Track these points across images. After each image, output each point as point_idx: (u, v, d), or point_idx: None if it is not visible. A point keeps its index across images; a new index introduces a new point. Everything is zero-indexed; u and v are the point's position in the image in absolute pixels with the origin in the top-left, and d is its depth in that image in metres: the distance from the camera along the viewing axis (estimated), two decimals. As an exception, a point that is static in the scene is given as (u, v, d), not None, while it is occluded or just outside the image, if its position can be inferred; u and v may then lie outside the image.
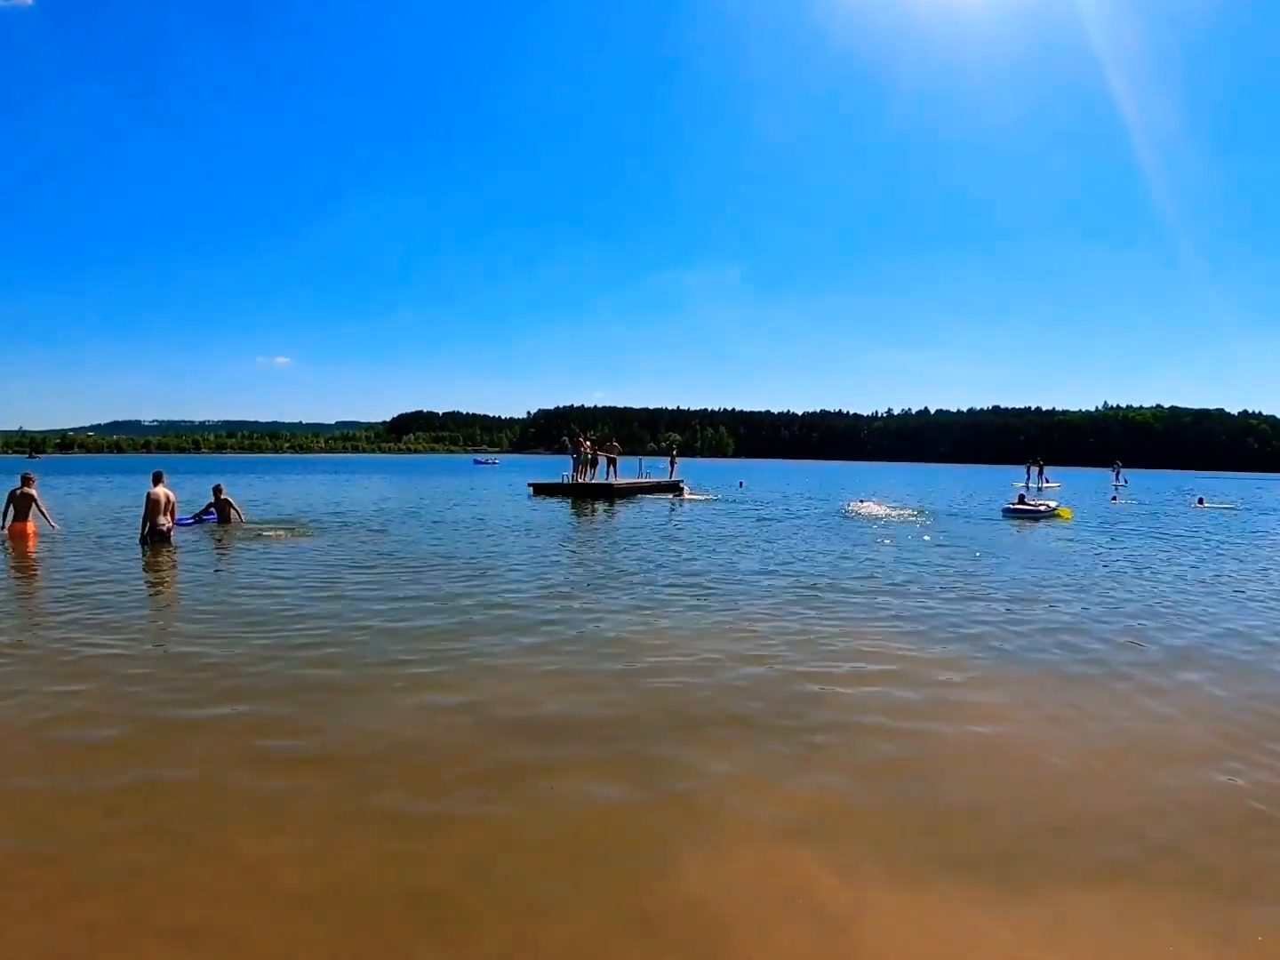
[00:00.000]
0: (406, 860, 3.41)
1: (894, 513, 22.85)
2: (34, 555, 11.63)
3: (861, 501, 26.14)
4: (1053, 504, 23.27)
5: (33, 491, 12.92)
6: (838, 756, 4.64)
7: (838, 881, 3.30)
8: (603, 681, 5.95)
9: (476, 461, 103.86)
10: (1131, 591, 10.24)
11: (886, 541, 15.53)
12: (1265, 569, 12.87)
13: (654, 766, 4.42)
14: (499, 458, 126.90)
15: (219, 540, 13.86)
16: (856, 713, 5.34)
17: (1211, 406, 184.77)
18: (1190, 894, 3.28)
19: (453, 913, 3.05)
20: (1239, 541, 17.49)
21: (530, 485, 30.32)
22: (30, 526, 12.70)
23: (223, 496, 16.03)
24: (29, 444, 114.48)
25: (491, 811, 3.86)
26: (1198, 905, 3.20)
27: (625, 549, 13.76)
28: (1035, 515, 21.71)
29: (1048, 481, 44.23)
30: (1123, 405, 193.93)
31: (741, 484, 41.34)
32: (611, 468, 31.48)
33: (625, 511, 22.54)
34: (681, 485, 32.93)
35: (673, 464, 37.19)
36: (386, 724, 4.97)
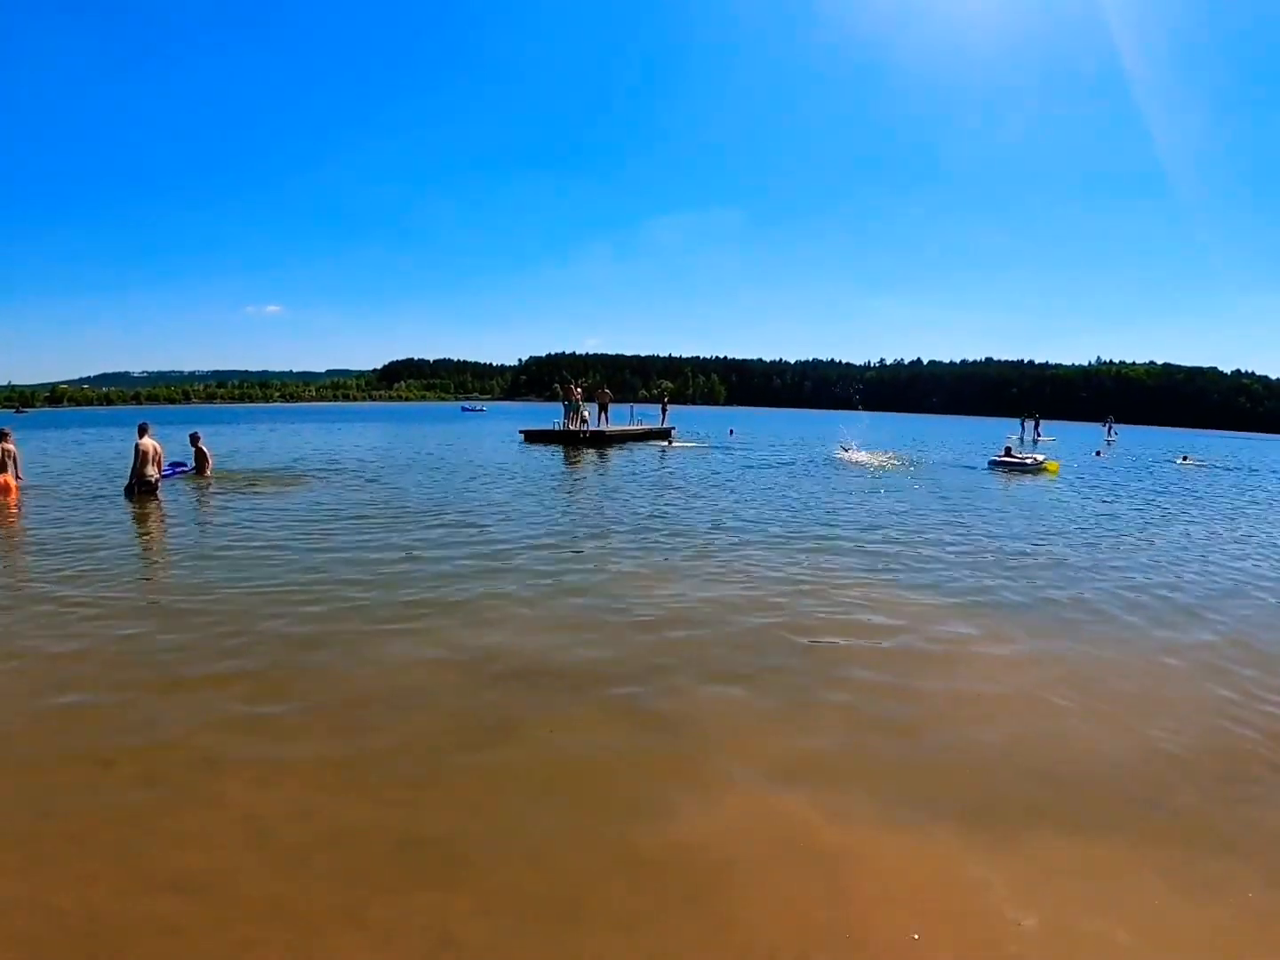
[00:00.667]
0: (402, 808, 3.45)
1: (881, 461, 23.27)
2: (15, 508, 11.55)
3: (846, 450, 26.41)
4: (1040, 457, 23.13)
5: (9, 446, 12.95)
6: (835, 706, 4.70)
7: (830, 825, 3.37)
8: (596, 631, 5.99)
9: (465, 409, 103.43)
10: (1117, 547, 10.38)
11: (877, 490, 15.62)
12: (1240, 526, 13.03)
13: (647, 715, 4.48)
14: (487, 405, 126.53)
15: (202, 490, 13.78)
16: (853, 665, 5.41)
17: (1205, 364, 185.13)
18: (1180, 848, 3.36)
19: (449, 858, 3.10)
20: (1222, 498, 17.69)
21: (521, 432, 30.35)
22: (10, 480, 12.69)
23: (199, 445, 15.77)
24: (17, 398, 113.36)
25: (487, 759, 3.91)
26: (1188, 859, 3.28)
27: (615, 497, 13.75)
28: (1022, 468, 21.63)
29: (1041, 435, 44.39)
30: (1116, 361, 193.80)
31: (732, 432, 41.35)
32: (603, 414, 31.57)
33: (616, 458, 22.50)
34: (672, 432, 33.15)
35: (664, 411, 37.51)
36: (381, 674, 5.00)
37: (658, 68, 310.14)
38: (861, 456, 24.28)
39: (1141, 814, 3.61)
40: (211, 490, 13.89)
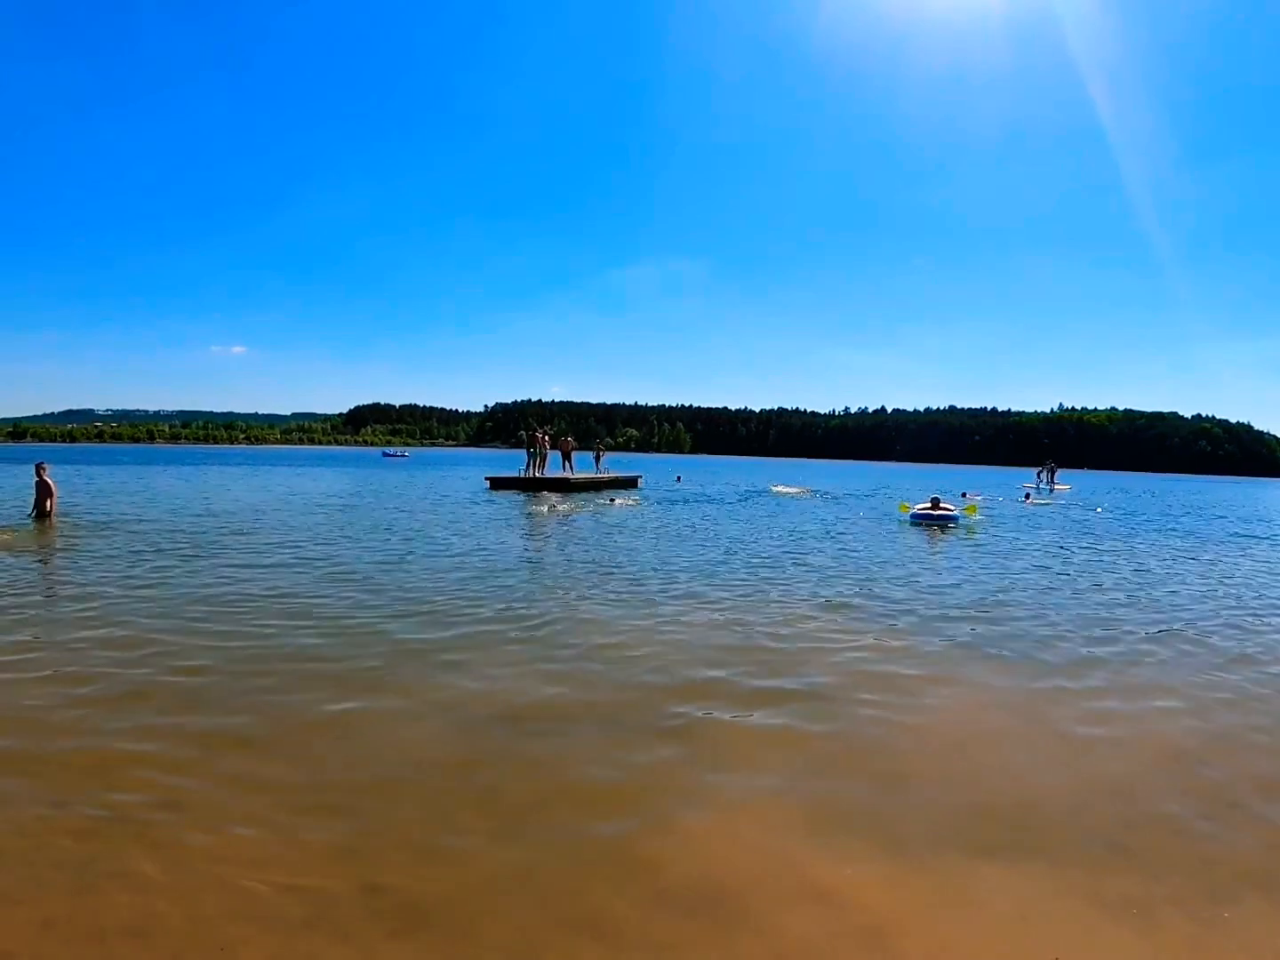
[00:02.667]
0: (363, 853, 3.54)
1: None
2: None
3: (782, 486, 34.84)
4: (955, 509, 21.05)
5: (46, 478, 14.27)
6: (777, 741, 4.89)
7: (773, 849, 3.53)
8: (554, 675, 6.12)
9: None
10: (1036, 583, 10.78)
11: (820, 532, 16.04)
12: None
13: (597, 751, 4.62)
14: (454, 451, 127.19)
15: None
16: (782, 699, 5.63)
17: (1166, 409, 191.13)
18: (1111, 874, 3.56)
19: (408, 904, 3.18)
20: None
21: (488, 479, 31.17)
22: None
23: (44, 476, 14.71)
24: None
25: (445, 803, 4.01)
26: (1117, 885, 3.47)
27: (574, 544, 13.91)
28: (945, 521, 19.78)
29: (1057, 483, 47.13)
30: (1077, 407, 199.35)
31: (679, 479, 42.43)
32: (566, 463, 32.22)
33: (570, 505, 22.73)
34: (639, 480, 34.81)
35: (598, 460, 36.60)
36: (339, 718, 5.08)
37: (626, 120, 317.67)
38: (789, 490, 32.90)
39: (1073, 841, 3.81)
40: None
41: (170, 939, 2.92)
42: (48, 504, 14.85)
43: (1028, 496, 34.10)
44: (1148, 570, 13.21)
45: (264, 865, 3.40)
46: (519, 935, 3.01)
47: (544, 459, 29.89)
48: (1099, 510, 29.68)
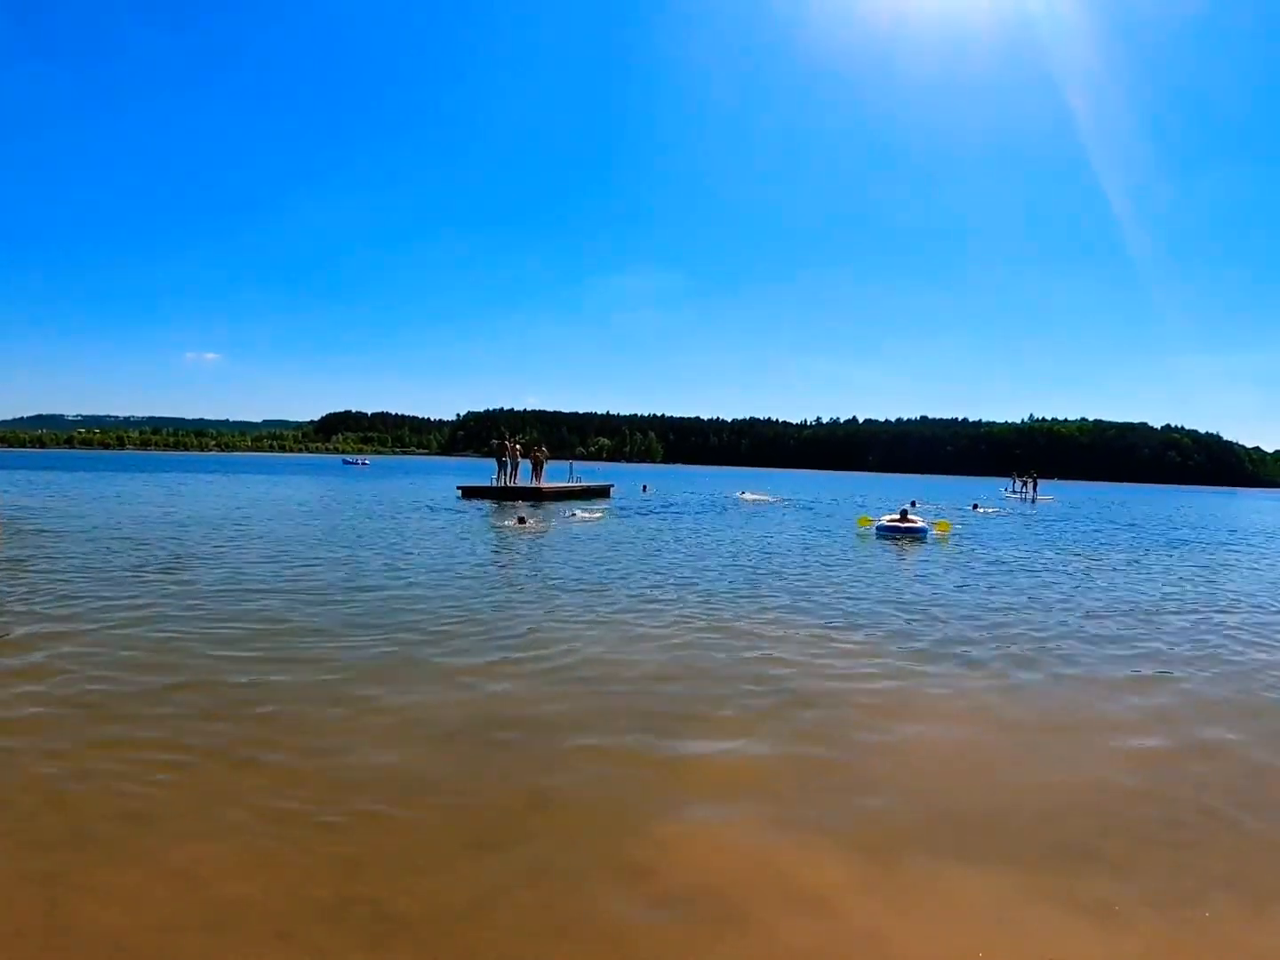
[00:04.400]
0: (337, 864, 3.54)
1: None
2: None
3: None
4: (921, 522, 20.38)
5: None
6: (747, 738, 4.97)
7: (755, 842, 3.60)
8: (510, 684, 6.16)
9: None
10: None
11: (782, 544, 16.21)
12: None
13: (562, 761, 4.66)
14: (426, 459, 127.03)
15: None
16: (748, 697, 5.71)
17: (1135, 420, 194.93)
18: (1078, 876, 3.67)
19: (382, 916, 3.19)
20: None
21: (459, 488, 31.80)
22: None
23: None
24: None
25: (419, 814, 4.03)
26: (1084, 887, 3.58)
27: (534, 558, 13.93)
28: (914, 533, 19.25)
29: (1040, 495, 48.98)
30: (1048, 418, 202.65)
31: (645, 488, 42.72)
32: (537, 473, 32.11)
33: (537, 519, 22.72)
34: (610, 489, 35.56)
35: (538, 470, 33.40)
36: (318, 728, 5.08)
37: (603, 132, 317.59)
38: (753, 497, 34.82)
39: (1041, 846, 3.92)
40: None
41: (142, 952, 2.92)
42: None
43: (975, 506, 34.75)
44: (1109, 575, 13.53)
45: (236, 878, 3.40)
46: (494, 947, 3.04)
47: (516, 468, 30.26)
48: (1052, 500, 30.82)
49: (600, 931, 3.14)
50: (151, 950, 2.92)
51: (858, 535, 20.17)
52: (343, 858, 3.60)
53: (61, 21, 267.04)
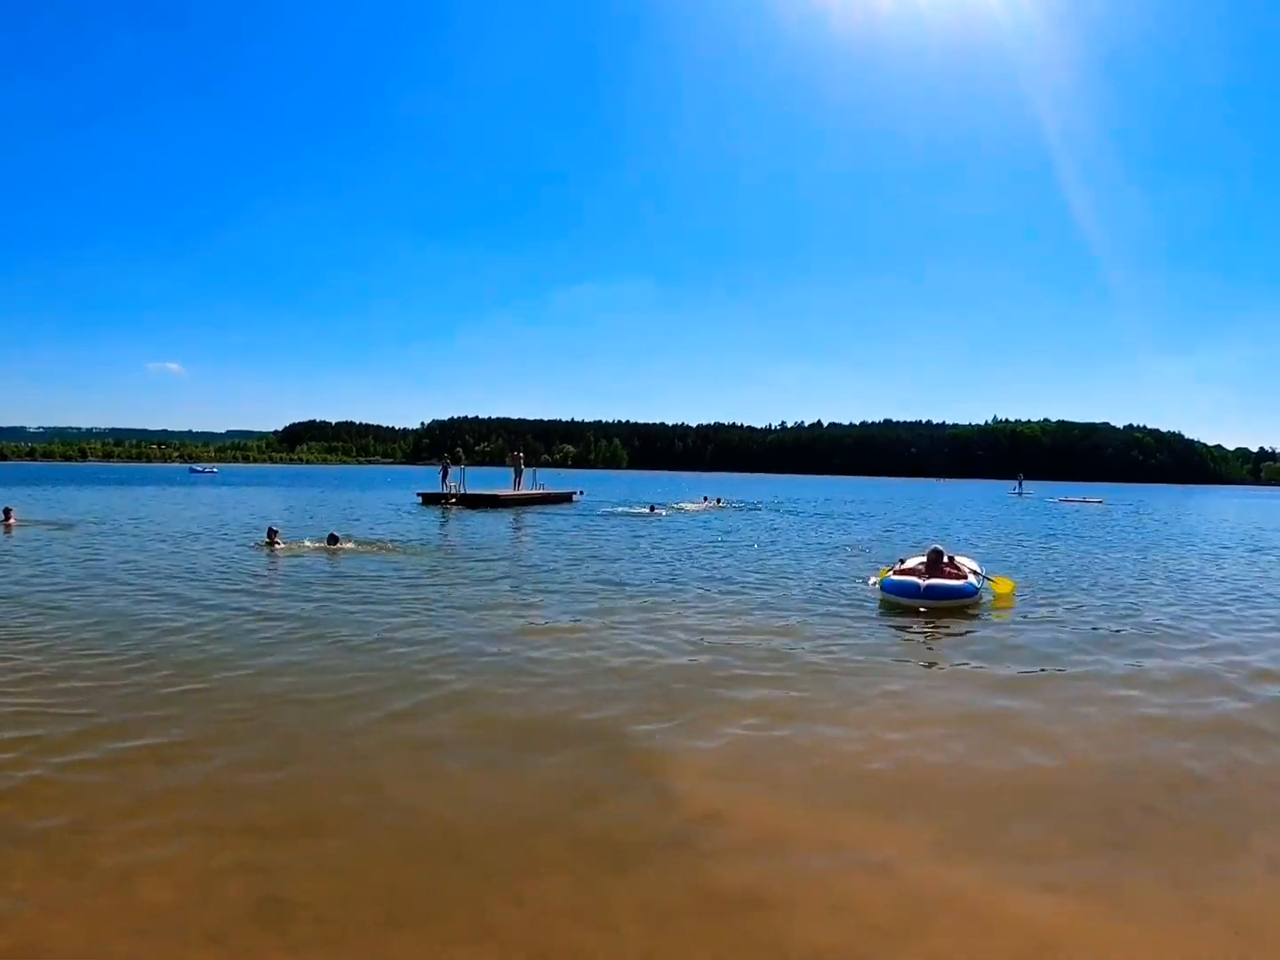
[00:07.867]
0: (266, 868, 3.72)
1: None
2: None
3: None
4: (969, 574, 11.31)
5: None
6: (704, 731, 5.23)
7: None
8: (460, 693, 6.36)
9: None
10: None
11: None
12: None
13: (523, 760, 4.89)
14: (389, 469, 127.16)
15: None
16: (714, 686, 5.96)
17: (1099, 420, 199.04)
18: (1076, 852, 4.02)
19: (307, 918, 3.37)
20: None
21: (419, 495, 33.77)
22: None
23: None
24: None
25: (359, 820, 4.24)
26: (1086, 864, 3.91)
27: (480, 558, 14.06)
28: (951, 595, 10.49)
29: (1023, 491, 53.95)
30: (1011, 419, 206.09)
31: (581, 492, 43.20)
32: (518, 479, 34.98)
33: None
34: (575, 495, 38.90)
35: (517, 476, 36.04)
36: (252, 735, 5.21)
37: (571, 142, 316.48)
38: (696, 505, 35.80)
39: (1025, 827, 4.25)
40: None
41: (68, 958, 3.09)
42: None
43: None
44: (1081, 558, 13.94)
45: (169, 884, 3.57)
46: (424, 949, 3.22)
47: (521, 475, 34.56)
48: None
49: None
50: (77, 957, 3.09)
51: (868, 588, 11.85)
52: (274, 862, 3.78)
53: (24, 35, 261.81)
